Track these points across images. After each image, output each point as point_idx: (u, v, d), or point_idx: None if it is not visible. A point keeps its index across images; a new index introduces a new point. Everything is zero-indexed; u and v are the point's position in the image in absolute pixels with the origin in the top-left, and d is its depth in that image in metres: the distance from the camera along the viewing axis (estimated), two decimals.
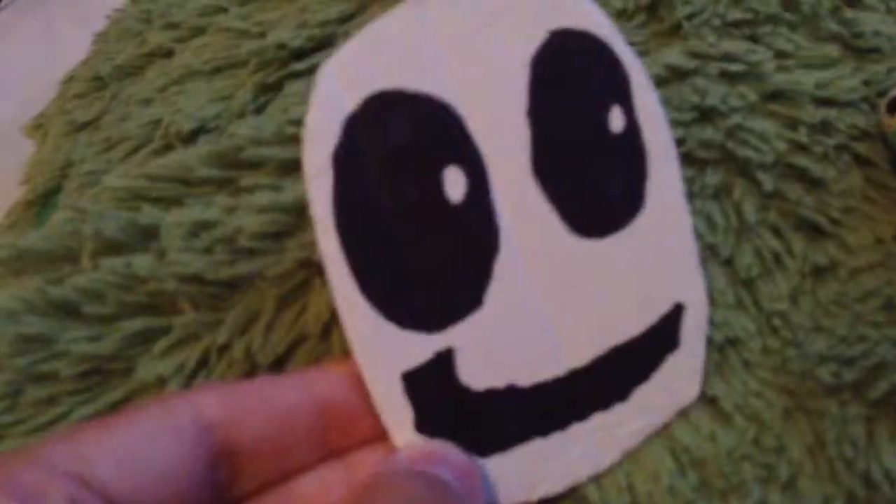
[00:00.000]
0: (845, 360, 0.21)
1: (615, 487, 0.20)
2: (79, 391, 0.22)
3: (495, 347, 0.20)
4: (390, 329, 0.19)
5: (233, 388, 0.19)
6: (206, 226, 0.23)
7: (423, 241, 0.19)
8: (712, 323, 0.22)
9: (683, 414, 0.21)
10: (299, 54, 0.31)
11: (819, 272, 0.23)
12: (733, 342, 0.22)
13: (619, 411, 0.21)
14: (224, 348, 0.22)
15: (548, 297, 0.20)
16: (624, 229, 0.21)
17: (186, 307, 0.22)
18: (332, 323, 0.22)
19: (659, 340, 0.21)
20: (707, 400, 0.21)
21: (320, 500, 0.19)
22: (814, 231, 0.24)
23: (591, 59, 0.20)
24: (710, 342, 0.22)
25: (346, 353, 0.20)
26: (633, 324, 0.21)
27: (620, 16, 0.29)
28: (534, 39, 0.20)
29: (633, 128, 0.21)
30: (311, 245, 0.22)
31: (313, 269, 0.22)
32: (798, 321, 0.22)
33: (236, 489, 0.19)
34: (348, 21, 0.31)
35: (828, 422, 0.21)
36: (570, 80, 0.20)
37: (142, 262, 0.22)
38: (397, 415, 0.20)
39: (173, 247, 0.23)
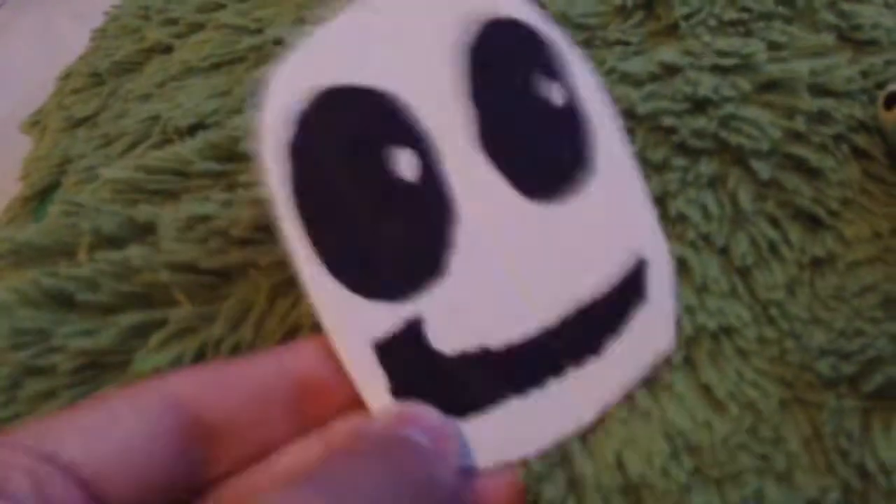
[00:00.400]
0: (844, 353, 0.21)
1: (608, 467, 0.20)
2: (77, 384, 0.22)
3: (463, 312, 0.21)
4: (358, 301, 0.20)
5: (204, 368, 0.20)
6: (202, 220, 0.24)
7: (382, 217, 0.20)
8: (704, 310, 0.22)
9: (678, 398, 0.21)
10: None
11: (817, 264, 0.23)
12: (727, 330, 0.22)
13: (594, 365, 0.21)
14: (220, 341, 0.22)
15: (510, 261, 0.21)
16: (574, 189, 0.22)
17: (181, 298, 0.22)
18: None
19: (625, 295, 0.22)
20: (701, 387, 0.21)
21: (295, 460, 0.19)
22: (812, 222, 0.24)
23: (522, 41, 0.22)
24: (703, 329, 0.22)
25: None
26: (596, 280, 0.22)
27: (619, 13, 0.29)
28: (468, 30, 0.21)
29: (573, 100, 0.22)
30: None
31: None
32: (795, 312, 0.23)
33: (214, 467, 0.19)
34: None
35: (825, 414, 0.21)
36: (504, 63, 0.22)
37: (136, 252, 0.22)
38: (371, 383, 0.20)
39: (168, 238, 0.23)
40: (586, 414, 0.21)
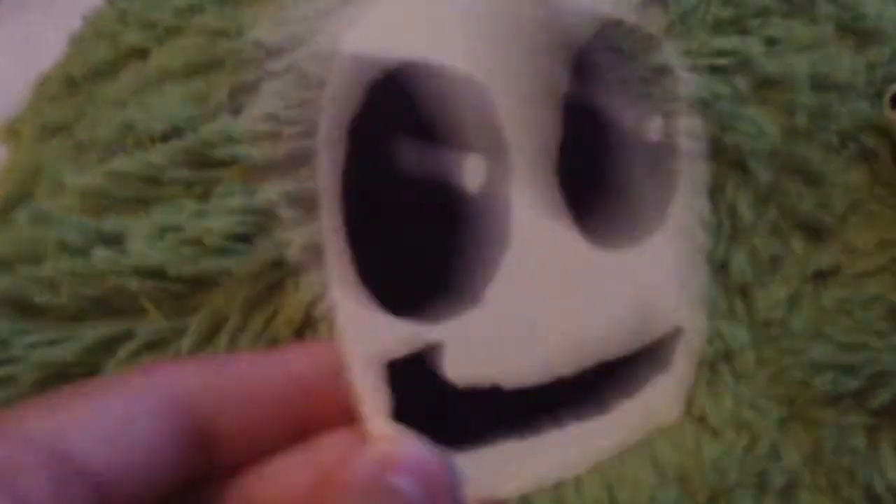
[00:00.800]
0: (846, 368, 0.20)
1: (595, 498, 0.19)
2: (38, 395, 0.21)
3: (485, 346, 0.19)
4: (382, 316, 0.18)
5: (210, 363, 0.18)
6: (172, 229, 0.22)
7: (431, 228, 0.19)
8: (700, 348, 0.21)
9: (665, 432, 0.20)
10: (276, 52, 0.29)
11: (820, 276, 0.22)
12: (725, 356, 0.21)
13: (597, 424, 0.20)
14: (191, 355, 0.21)
15: (547, 302, 0.19)
16: (639, 245, 0.20)
17: (149, 307, 0.21)
18: (304, 329, 0.21)
19: (651, 361, 0.20)
20: (695, 419, 0.20)
21: (287, 484, 0.18)
22: (815, 231, 0.23)
23: (641, 58, 0.20)
24: (701, 360, 0.21)
25: None
26: (629, 341, 0.20)
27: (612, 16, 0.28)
28: (583, 29, 0.19)
29: (669, 142, 0.20)
30: (285, 244, 0.20)
31: (286, 269, 0.22)
32: (797, 327, 0.21)
33: (213, 468, 0.18)
34: (327, 18, 0.30)
35: (826, 431, 0.20)
36: (614, 80, 0.19)
37: (102, 255, 0.21)
38: (375, 401, 0.19)
39: (137, 244, 0.22)
40: (577, 466, 0.20)
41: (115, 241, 0.23)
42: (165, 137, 0.28)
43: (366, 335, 0.19)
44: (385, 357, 0.19)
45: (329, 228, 0.18)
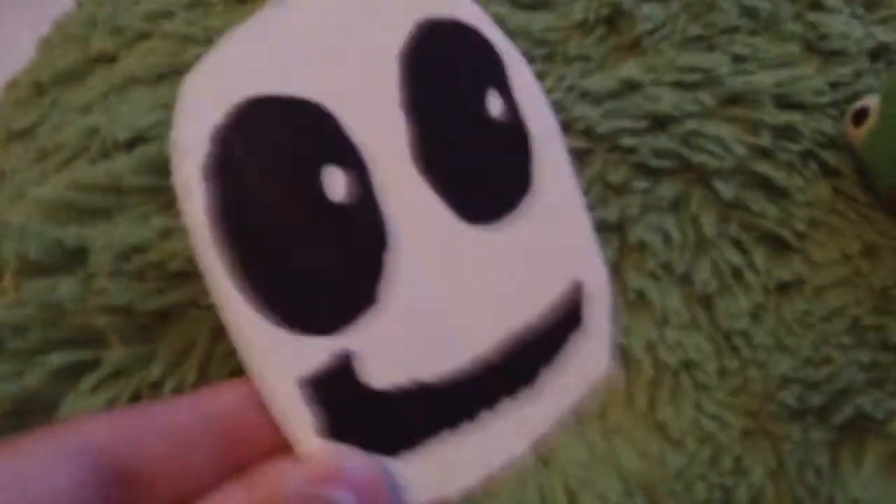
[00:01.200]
0: (810, 383, 0.20)
1: None
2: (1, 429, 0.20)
3: (394, 343, 0.19)
4: (283, 335, 0.19)
5: (123, 412, 0.18)
6: (137, 250, 0.22)
7: (308, 244, 0.19)
8: (665, 344, 0.21)
9: (630, 440, 0.20)
10: None
11: (783, 288, 0.22)
12: (687, 365, 0.21)
13: (526, 396, 0.20)
14: (158, 383, 0.21)
15: (443, 288, 0.20)
16: (514, 212, 0.20)
17: (115, 341, 0.21)
18: None
19: (560, 320, 0.21)
20: (657, 426, 0.20)
21: None
22: (778, 245, 0.23)
23: (461, 46, 0.20)
24: (664, 367, 0.21)
25: None
26: (532, 305, 0.20)
27: (580, 27, 0.28)
28: (400, 32, 0.20)
29: (512, 111, 0.20)
30: None
31: None
32: (760, 339, 0.21)
33: None
34: None
35: (789, 445, 0.20)
36: (441, 70, 0.20)
37: (67, 289, 0.21)
38: (298, 423, 0.19)
39: (102, 272, 0.21)
40: (518, 446, 0.20)
41: (77, 256, 0.23)
42: (131, 144, 0.28)
43: (272, 359, 0.19)
44: (301, 375, 0.19)
45: (206, 268, 0.18)
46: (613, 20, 0.27)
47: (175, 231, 0.23)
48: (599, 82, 0.24)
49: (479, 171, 0.20)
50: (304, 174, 0.19)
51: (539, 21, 0.28)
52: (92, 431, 0.17)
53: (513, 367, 0.20)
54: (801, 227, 0.23)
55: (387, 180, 0.19)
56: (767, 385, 0.21)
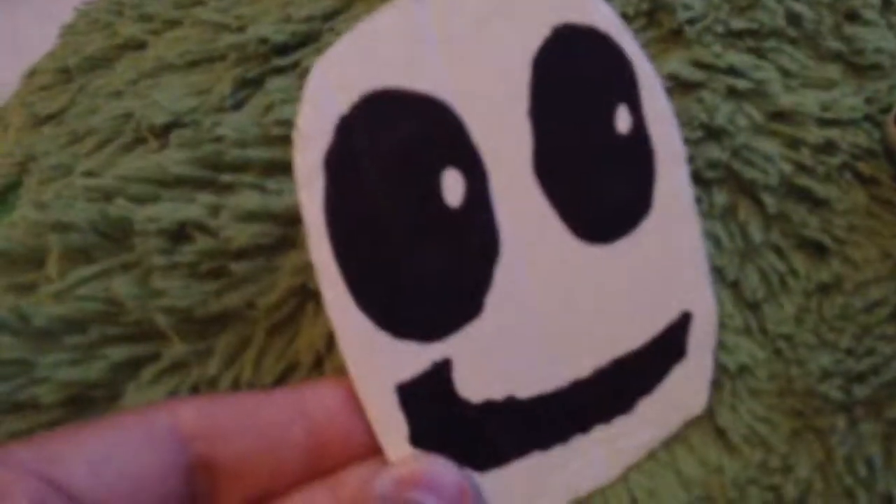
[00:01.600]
0: (855, 375, 0.20)
1: None
2: (61, 420, 0.20)
3: (494, 357, 0.19)
4: (385, 339, 0.18)
5: (217, 401, 0.18)
6: (185, 232, 0.22)
7: (420, 247, 0.19)
8: (724, 347, 0.21)
9: (691, 447, 0.20)
10: (282, 49, 0.29)
11: (824, 289, 0.23)
12: (743, 369, 0.21)
13: (622, 424, 0.20)
14: (215, 379, 0.21)
15: (550, 305, 0.19)
16: (630, 235, 0.20)
17: (173, 337, 0.21)
18: (325, 352, 0.21)
19: (665, 350, 0.20)
20: (716, 432, 0.20)
21: None
22: (817, 249, 0.23)
23: (597, 55, 0.20)
24: (724, 369, 0.21)
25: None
26: (638, 333, 0.20)
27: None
28: (536, 36, 0.19)
29: (640, 128, 0.20)
30: (306, 269, 0.20)
31: (307, 293, 0.21)
32: (802, 339, 0.22)
33: (220, 500, 0.18)
34: (333, 17, 0.30)
35: (836, 438, 0.20)
36: (574, 78, 0.19)
37: (122, 288, 0.21)
38: (391, 428, 0.19)
39: (154, 264, 0.21)
40: (607, 474, 0.20)
41: (124, 235, 0.22)
42: (167, 129, 0.27)
43: (372, 361, 0.18)
44: (395, 381, 0.18)
45: (319, 261, 0.18)
46: (653, 13, 0.27)
47: (224, 209, 0.22)
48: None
49: (599, 188, 0.20)
50: (424, 176, 0.18)
51: None
52: (186, 417, 0.17)
53: (612, 393, 0.20)
54: (840, 232, 0.23)
55: (504, 188, 0.19)
56: (809, 381, 0.21)
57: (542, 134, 0.19)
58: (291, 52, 0.29)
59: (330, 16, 0.30)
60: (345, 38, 0.18)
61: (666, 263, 0.20)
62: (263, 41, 0.29)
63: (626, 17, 0.28)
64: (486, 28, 0.19)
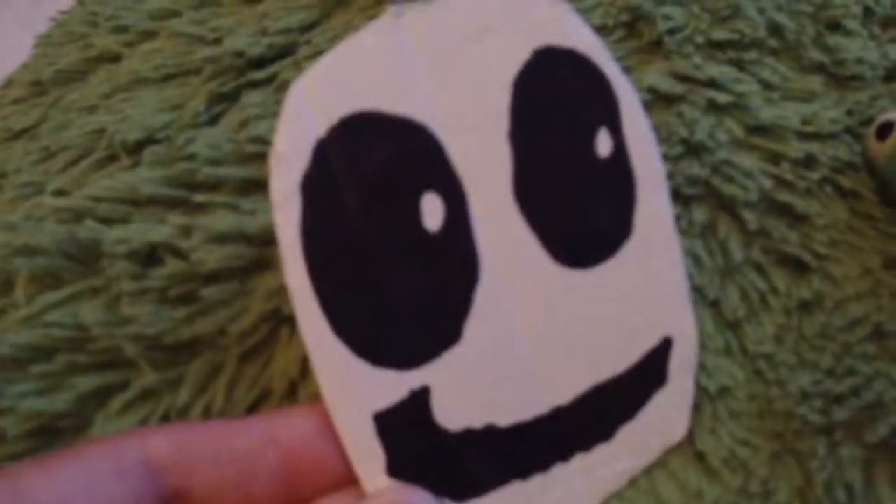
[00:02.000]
0: (834, 397, 0.20)
1: None
2: (27, 452, 0.20)
3: (473, 385, 0.19)
4: (362, 367, 0.18)
5: (188, 430, 0.18)
6: (156, 255, 0.21)
7: (398, 273, 0.18)
8: (704, 370, 0.21)
9: (671, 473, 0.20)
10: (258, 63, 0.29)
11: (805, 307, 0.22)
12: (723, 391, 0.21)
13: (602, 451, 0.20)
14: (187, 407, 0.20)
15: (530, 332, 0.19)
16: (610, 260, 0.20)
17: (143, 366, 0.20)
18: (299, 379, 0.21)
19: (646, 377, 0.20)
20: (696, 456, 0.20)
21: None
22: (798, 266, 0.23)
23: (577, 78, 0.19)
24: (705, 392, 0.21)
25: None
26: (618, 359, 0.20)
27: (600, 32, 0.28)
28: (517, 58, 0.19)
29: (621, 152, 0.20)
30: (280, 293, 0.20)
31: (280, 318, 0.21)
32: (782, 359, 0.21)
33: None
34: (311, 30, 0.29)
35: (816, 463, 0.20)
36: (554, 102, 0.19)
37: (90, 314, 0.20)
38: (368, 458, 0.18)
39: (122, 290, 0.20)
40: (587, 502, 0.20)
41: (92, 257, 0.22)
42: (139, 145, 0.27)
43: (349, 389, 0.18)
44: (372, 410, 0.18)
45: (294, 287, 0.18)
46: (632, 23, 0.27)
47: (195, 230, 0.22)
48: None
49: (580, 212, 0.19)
50: (403, 200, 0.18)
51: None
52: (156, 446, 0.17)
53: (592, 420, 0.20)
54: (820, 248, 0.23)
55: (484, 212, 0.19)
56: (789, 403, 0.21)
57: (522, 157, 0.19)
58: (268, 66, 0.29)
59: (307, 28, 0.29)
60: (324, 59, 0.18)
61: (647, 289, 0.20)
62: (239, 54, 0.29)
63: (605, 28, 0.27)
64: (466, 50, 0.18)
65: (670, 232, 0.20)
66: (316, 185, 0.17)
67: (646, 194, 0.20)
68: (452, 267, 0.19)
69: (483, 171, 0.19)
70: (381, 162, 0.18)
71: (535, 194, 0.19)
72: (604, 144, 0.19)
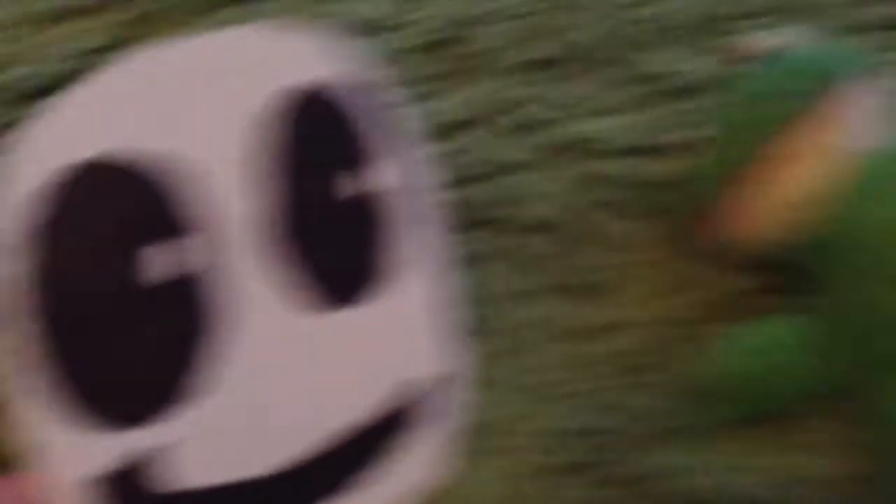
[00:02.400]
0: (587, 432, 0.20)
1: None
2: None
3: (211, 440, 0.19)
4: (81, 431, 0.18)
5: None
6: None
7: (125, 328, 0.18)
8: (469, 405, 0.20)
9: None
10: (42, 92, 0.27)
11: (586, 334, 0.22)
12: (487, 426, 0.20)
13: (345, 502, 0.20)
14: None
15: (269, 380, 0.19)
16: (354, 303, 0.20)
17: None
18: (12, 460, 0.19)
19: (385, 423, 0.20)
20: (462, 498, 0.20)
21: None
22: (586, 290, 0.23)
23: (323, 119, 0.19)
24: (471, 428, 0.20)
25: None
26: (355, 406, 0.20)
27: (413, 51, 0.27)
28: (260, 99, 0.19)
29: (365, 193, 0.19)
30: None
31: None
32: (554, 391, 0.21)
33: None
34: (101, 53, 0.27)
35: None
36: (296, 145, 0.19)
37: None
38: None
39: None
40: None
41: None
42: None
43: (65, 455, 0.18)
44: (92, 474, 0.18)
45: (18, 349, 0.17)
46: (444, 44, 0.27)
47: None
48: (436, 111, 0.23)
49: (322, 256, 0.19)
50: (128, 250, 0.17)
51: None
52: None
53: (331, 470, 0.19)
54: (609, 273, 0.23)
55: (221, 259, 0.18)
56: (557, 438, 0.21)
57: (261, 201, 0.19)
58: (53, 94, 0.26)
59: (97, 51, 0.27)
60: (58, 105, 0.17)
61: (390, 332, 0.20)
62: (24, 80, 0.27)
63: (415, 50, 0.27)
64: (205, 92, 0.18)
65: (428, 271, 0.20)
66: (43, 235, 0.17)
67: (405, 232, 0.19)
68: (187, 318, 0.18)
69: (221, 218, 0.18)
70: (104, 211, 0.18)
71: (278, 239, 0.19)
72: (344, 187, 0.19)
